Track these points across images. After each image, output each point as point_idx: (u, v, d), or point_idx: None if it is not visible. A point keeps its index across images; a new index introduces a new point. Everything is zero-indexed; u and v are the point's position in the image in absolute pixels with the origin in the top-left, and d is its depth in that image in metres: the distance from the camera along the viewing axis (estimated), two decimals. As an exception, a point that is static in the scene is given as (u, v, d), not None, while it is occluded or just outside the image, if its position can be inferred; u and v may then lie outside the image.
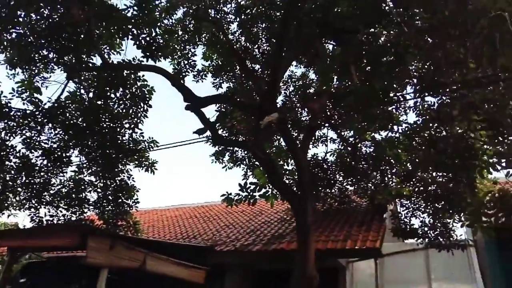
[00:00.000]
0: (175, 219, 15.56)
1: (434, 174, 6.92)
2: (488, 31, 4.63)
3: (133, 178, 9.70)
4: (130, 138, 9.23)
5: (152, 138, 9.78)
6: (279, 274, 9.72)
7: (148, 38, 8.70)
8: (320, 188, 11.77)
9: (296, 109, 11.93)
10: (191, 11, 10.34)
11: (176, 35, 10.02)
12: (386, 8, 7.63)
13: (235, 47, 11.68)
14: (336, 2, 8.99)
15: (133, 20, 8.51)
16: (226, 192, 7.58)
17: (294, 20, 9.67)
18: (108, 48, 9.05)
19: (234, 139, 9.09)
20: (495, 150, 5.80)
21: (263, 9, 11.23)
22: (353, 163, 11.47)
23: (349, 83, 10.01)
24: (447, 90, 6.55)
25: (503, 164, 5.72)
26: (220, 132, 10.55)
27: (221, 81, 11.14)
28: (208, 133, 7.18)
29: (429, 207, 9.20)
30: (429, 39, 6.79)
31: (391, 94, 7.78)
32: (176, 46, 10.16)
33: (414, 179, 8.55)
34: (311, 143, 11.11)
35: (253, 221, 12.97)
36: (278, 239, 10.36)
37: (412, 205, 10.24)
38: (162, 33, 9.74)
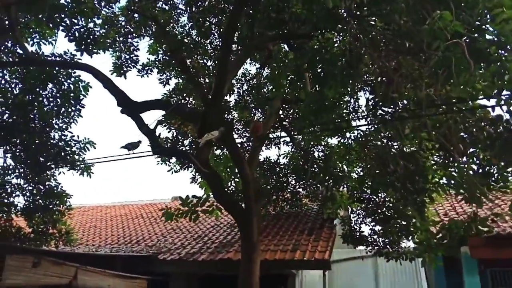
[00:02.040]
0: (119, 218, 14.69)
1: (384, 194, 6.68)
2: (444, 54, 4.30)
3: (61, 186, 8.78)
4: (61, 140, 8.30)
5: (88, 139, 8.89)
6: (226, 279, 9.29)
7: (82, 30, 7.79)
8: (272, 191, 11.43)
9: (250, 108, 11.44)
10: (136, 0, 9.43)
11: (117, 26, 9.09)
12: (341, 14, 7.23)
13: (185, 41, 10.96)
14: (290, 4, 8.48)
15: (65, 9, 7.56)
16: (166, 206, 6.96)
17: (246, 17, 9.09)
18: (38, 38, 8.04)
19: (176, 147, 8.40)
20: (446, 173, 5.59)
21: (214, 2, 10.52)
22: (305, 166, 11.19)
23: (301, 89, 9.64)
24: (398, 106, 6.26)
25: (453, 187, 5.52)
26: (164, 135, 9.84)
27: (168, 77, 10.36)
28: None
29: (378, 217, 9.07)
30: (382, 50, 6.46)
31: (343, 104, 7.42)
32: (117, 38, 9.23)
33: (363, 198, 8.34)
34: (263, 147, 10.67)
35: (201, 224, 12.42)
36: (226, 247, 9.90)
37: (362, 211, 10.13)
38: (101, 24, 8.81)
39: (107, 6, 8.91)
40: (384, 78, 6.32)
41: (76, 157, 9.08)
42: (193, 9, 10.63)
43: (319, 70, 7.33)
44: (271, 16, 8.83)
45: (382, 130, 6.00)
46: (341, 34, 7.31)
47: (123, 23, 9.40)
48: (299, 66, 7.61)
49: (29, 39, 7.93)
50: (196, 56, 10.86)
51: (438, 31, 4.27)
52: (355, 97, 7.69)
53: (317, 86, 7.31)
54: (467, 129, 4.63)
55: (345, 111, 7.36)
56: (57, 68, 7.88)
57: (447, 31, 4.23)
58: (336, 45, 7.28)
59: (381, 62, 6.42)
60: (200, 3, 10.71)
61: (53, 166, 8.42)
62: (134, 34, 9.72)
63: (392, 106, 6.22)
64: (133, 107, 6.63)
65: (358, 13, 6.71)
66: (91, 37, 7.87)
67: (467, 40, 4.34)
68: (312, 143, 10.63)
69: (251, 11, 8.85)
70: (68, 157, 8.42)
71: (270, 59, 9.33)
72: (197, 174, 10.04)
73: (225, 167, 8.28)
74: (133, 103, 6.67)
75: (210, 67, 11.03)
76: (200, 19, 10.78)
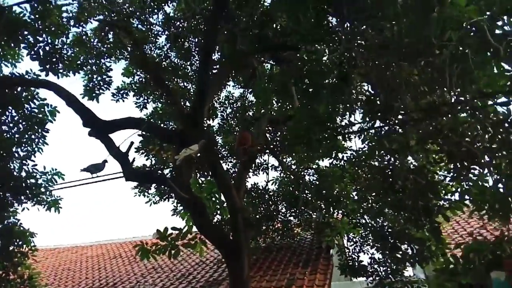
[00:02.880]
0: (96, 259, 13.44)
1: (389, 216, 5.93)
2: (458, 45, 3.70)
3: (21, 223, 7.73)
4: (23, 171, 7.37)
5: (55, 169, 7.97)
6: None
7: (47, 48, 7.06)
8: (261, 221, 10.54)
9: (234, 133, 10.72)
10: (109, 19, 8.81)
11: (88, 46, 8.40)
12: (330, 23, 6.75)
13: (164, 63, 10.34)
14: (275, 17, 8.00)
15: (28, 26, 6.85)
16: (140, 241, 6.05)
17: (227, 35, 8.55)
18: (-4, 58, 7.27)
19: (152, 172, 7.54)
20: (459, 186, 4.90)
21: (194, 22, 10.00)
22: (296, 192, 10.42)
23: (290, 106, 9.03)
24: (400, 116, 5.63)
25: (469, 203, 4.82)
26: (140, 160, 8.97)
27: (145, 100, 9.64)
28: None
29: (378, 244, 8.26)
30: (378, 57, 5.92)
31: (337, 119, 6.76)
32: (89, 59, 8.52)
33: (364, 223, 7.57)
34: (250, 170, 9.89)
35: (185, 262, 11.34)
36: (212, 286, 8.88)
37: (360, 239, 9.32)
38: (71, 44, 8.11)
39: (77, 25, 8.27)
40: (382, 87, 5.73)
41: (42, 190, 8.14)
42: (171, 29, 10.12)
43: (308, 84, 6.76)
44: (254, 33, 8.35)
45: (385, 143, 5.31)
46: (330, 44, 6.81)
47: (94, 43, 8.72)
48: (285, 80, 7.00)
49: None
50: (175, 78, 10.23)
51: (450, 19, 3.72)
52: (349, 111, 7.05)
53: (306, 101, 6.68)
54: (486, 132, 3.99)
55: (340, 123, 6.68)
56: (18, 89, 7.06)
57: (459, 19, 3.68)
58: (326, 55, 6.72)
59: (378, 70, 5.87)
60: (178, 23, 10.23)
61: (14, 201, 7.42)
62: (107, 55, 9.04)
63: (393, 117, 5.60)
64: (102, 127, 5.83)
65: (349, 19, 6.22)
66: (58, 55, 7.13)
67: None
68: (302, 165, 9.89)
69: (231, 28, 8.36)
70: (32, 190, 7.45)
71: (254, 78, 8.74)
72: (178, 204, 9.12)
73: (208, 195, 7.46)
74: (102, 122, 5.88)
75: (191, 90, 10.39)
76: (179, 40, 10.27)
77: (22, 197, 7.46)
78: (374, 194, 6.03)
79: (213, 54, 6.11)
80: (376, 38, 6.05)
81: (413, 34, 5.53)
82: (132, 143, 6.04)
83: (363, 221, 8.28)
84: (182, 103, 9.73)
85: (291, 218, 10.98)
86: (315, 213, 10.32)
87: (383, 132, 5.68)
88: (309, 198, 10.25)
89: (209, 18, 5.65)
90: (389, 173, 5.81)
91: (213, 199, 7.41)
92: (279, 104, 8.79)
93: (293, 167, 10.57)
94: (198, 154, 4.43)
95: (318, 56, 6.34)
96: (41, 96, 7.45)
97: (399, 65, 5.73)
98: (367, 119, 6.19)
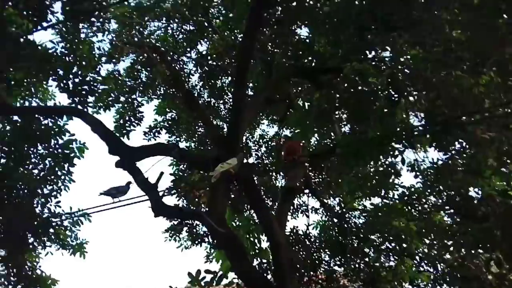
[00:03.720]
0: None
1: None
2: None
3: (40, 268, 7.10)
4: (46, 212, 6.87)
5: (82, 210, 7.44)
6: None
7: (77, 80, 6.84)
8: (302, 271, 9.43)
9: (270, 173, 10.00)
10: (141, 58, 8.68)
11: (120, 83, 8.20)
12: (374, 39, 6.18)
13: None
14: (311, 43, 7.57)
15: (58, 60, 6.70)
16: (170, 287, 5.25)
17: (263, 66, 8.17)
18: (27, 93, 7.10)
19: (183, 207, 6.83)
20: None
21: (227, 59, 9.75)
22: (340, 238, 9.35)
23: (332, 136, 8.32)
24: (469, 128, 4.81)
25: None
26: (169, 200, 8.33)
27: (177, 139, 9.20)
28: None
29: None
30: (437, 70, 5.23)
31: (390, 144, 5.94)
32: (120, 96, 8.29)
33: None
34: (289, 212, 9.00)
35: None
36: None
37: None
38: (103, 79, 7.92)
39: (109, 62, 8.15)
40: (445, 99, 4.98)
41: (68, 233, 7.60)
42: (204, 67, 9.91)
43: (355, 107, 6.08)
44: (291, 63, 7.90)
45: (457, 162, 4.46)
46: (375, 62, 6.19)
47: (126, 80, 8.54)
48: (327, 106, 6.36)
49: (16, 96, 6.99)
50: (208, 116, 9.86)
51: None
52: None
53: (354, 125, 5.97)
54: None
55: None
56: (45, 124, 6.76)
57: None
58: (373, 75, 6.06)
59: (439, 83, 5.16)
60: (211, 61, 10.03)
61: (36, 243, 6.87)
62: (139, 92, 8.82)
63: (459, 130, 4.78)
64: (128, 153, 5.31)
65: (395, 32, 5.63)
66: (88, 89, 6.87)
67: None
68: (348, 205, 8.93)
69: (265, 59, 7.98)
70: (55, 232, 6.92)
71: (289, 111, 8.16)
72: (212, 249, 8.28)
73: (246, 234, 6.57)
74: (128, 149, 5.36)
75: (224, 129, 9.95)
76: (212, 78, 10.02)
77: (45, 239, 6.89)
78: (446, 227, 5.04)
79: (248, 71, 5.62)
80: (432, 50, 5.44)
81: (478, 40, 4.88)
82: (162, 173, 5.46)
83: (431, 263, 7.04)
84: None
85: (336, 267, 9.83)
86: (363, 261, 9.17)
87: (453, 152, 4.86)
88: (357, 244, 9.18)
89: (245, 32, 5.22)
90: (461, 201, 4.88)
91: (251, 239, 6.54)
92: (319, 137, 8.10)
93: (337, 208, 9.59)
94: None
95: (366, 76, 5.71)
96: (70, 132, 7.04)
97: (461, 75, 5.04)
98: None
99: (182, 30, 9.36)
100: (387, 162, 8.56)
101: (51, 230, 6.80)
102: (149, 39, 8.56)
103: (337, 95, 6.24)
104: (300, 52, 7.02)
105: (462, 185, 4.95)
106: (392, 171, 8.55)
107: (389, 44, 5.78)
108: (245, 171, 4.96)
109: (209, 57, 9.61)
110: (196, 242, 8.77)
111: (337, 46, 6.61)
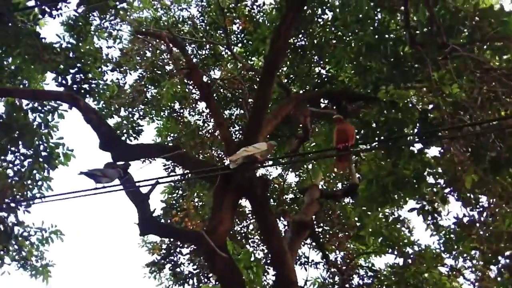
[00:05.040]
0: None
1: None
2: None
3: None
4: (12, 221, 5.84)
5: (55, 226, 6.47)
6: None
7: (78, 76, 6.19)
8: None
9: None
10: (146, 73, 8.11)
11: (123, 97, 7.59)
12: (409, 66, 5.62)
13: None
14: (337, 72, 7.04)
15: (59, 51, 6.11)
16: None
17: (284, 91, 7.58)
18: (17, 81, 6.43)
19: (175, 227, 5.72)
20: None
21: (235, 94, 9.20)
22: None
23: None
24: None
25: None
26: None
27: (174, 164, 8.37)
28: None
29: None
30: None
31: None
32: (121, 108, 7.62)
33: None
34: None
35: None
36: None
37: None
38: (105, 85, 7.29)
39: (116, 70, 7.59)
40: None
41: (35, 253, 6.55)
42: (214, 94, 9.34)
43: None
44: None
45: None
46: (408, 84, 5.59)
47: (130, 94, 7.91)
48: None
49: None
50: (211, 146, 9.12)
51: None
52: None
53: (389, 157, 5.21)
54: None
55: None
56: (32, 120, 5.96)
57: None
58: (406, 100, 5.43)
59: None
60: (222, 88, 9.50)
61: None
62: (142, 112, 8.15)
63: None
64: (123, 150, 4.48)
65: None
66: (88, 86, 6.22)
67: None
68: (355, 259, 7.90)
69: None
70: (18, 245, 5.88)
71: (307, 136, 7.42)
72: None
73: (245, 268, 5.47)
74: (123, 145, 4.55)
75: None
76: (222, 107, 9.42)
77: (2, 253, 5.83)
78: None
79: (278, 72, 4.99)
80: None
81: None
82: (157, 182, 4.60)
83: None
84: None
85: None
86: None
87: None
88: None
89: (279, 26, 4.60)
90: None
91: (252, 276, 5.44)
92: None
93: (339, 262, 8.53)
94: (265, 157, 2.89)
95: (401, 101, 5.09)
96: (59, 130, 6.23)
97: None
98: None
99: (197, 55, 8.95)
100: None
101: (13, 242, 5.73)
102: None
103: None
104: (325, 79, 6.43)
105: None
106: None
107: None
108: (260, 187, 4.11)
109: (220, 84, 9.09)
110: (180, 282, 7.60)
111: (367, 73, 6.09)
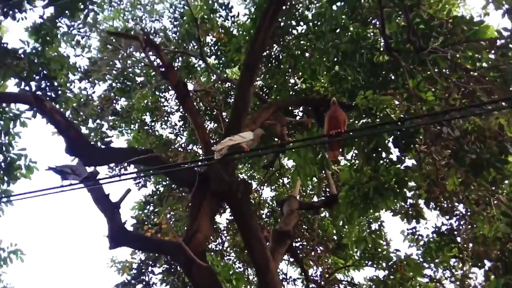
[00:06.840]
0: None
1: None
2: None
3: None
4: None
5: (15, 245, 5.97)
6: None
7: (43, 83, 5.83)
8: None
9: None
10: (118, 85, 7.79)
11: (90, 103, 7.23)
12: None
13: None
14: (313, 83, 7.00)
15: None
16: None
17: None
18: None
19: (146, 238, 5.28)
20: None
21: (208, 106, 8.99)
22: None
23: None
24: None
25: None
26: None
27: (146, 179, 8.00)
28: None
29: None
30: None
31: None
32: (90, 118, 7.24)
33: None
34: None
35: None
36: None
37: None
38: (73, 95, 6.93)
39: (85, 79, 7.25)
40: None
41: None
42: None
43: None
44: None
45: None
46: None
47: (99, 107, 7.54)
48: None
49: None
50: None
51: None
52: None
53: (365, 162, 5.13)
54: None
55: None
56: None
57: None
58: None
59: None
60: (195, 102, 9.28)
61: None
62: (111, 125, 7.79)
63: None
64: (91, 154, 4.16)
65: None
66: (54, 94, 5.86)
67: None
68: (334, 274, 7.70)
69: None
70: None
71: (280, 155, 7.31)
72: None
73: (225, 281, 5.12)
74: (92, 148, 4.23)
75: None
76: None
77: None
78: None
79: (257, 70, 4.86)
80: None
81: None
82: (129, 190, 4.31)
83: None
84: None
85: None
86: None
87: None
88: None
89: (259, 25, 4.49)
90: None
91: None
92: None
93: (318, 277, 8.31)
94: (252, 146, 2.68)
95: (379, 107, 5.05)
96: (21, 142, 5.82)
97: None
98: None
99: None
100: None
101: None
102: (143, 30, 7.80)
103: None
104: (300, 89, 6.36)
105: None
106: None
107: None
108: (240, 191, 3.88)
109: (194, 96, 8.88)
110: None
111: (343, 82, 6.08)
